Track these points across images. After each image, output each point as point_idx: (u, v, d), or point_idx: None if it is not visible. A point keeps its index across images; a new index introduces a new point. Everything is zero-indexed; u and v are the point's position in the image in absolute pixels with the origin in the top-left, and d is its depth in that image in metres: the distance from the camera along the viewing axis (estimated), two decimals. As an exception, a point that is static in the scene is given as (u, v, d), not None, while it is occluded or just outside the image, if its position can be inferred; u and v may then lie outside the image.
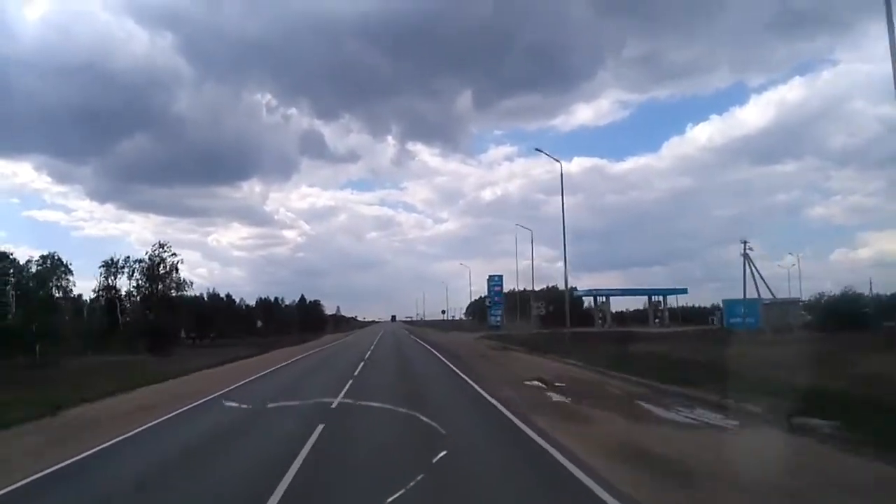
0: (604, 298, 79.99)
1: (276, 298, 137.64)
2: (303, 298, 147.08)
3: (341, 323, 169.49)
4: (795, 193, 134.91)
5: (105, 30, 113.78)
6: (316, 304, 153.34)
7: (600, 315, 79.29)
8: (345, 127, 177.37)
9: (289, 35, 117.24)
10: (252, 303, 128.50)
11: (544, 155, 39.41)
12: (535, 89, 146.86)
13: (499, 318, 79.56)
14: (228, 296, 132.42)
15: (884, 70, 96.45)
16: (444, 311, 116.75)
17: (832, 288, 60.01)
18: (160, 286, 72.15)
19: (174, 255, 72.95)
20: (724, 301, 61.11)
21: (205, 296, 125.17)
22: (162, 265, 72.12)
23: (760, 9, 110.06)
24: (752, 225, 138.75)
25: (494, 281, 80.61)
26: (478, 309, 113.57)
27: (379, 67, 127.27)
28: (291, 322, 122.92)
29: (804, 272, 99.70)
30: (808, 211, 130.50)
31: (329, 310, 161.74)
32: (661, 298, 79.09)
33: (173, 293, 74.16)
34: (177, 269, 72.74)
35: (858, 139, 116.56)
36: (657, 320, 77.46)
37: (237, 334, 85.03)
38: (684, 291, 79.24)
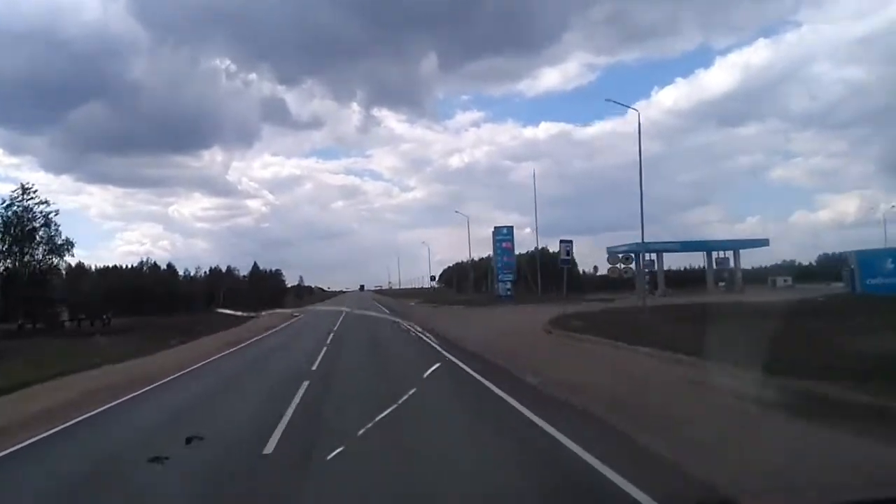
0: (650, 256, 59.63)
1: (228, 268, 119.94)
2: (256, 267, 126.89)
3: (304, 294, 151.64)
4: (758, 156, 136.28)
5: None
6: (274, 274, 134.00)
7: (647, 280, 59.07)
8: (308, 92, 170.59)
9: None
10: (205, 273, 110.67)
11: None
12: (500, 52, 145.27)
13: (509, 287, 58.84)
14: (170, 266, 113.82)
15: (846, 31, 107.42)
16: (433, 278, 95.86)
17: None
18: (26, 249, 49.63)
19: (46, 203, 50.18)
20: (856, 253, 41.32)
21: (144, 267, 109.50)
22: (29, 219, 49.57)
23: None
24: (716, 188, 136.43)
25: (502, 234, 59.46)
26: (455, 275, 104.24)
27: (343, 30, 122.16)
28: (241, 295, 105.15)
29: (762, 234, 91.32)
30: (770, 173, 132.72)
31: (293, 279, 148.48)
32: (727, 254, 58.71)
33: (52, 259, 51.94)
34: (50, 224, 50.13)
35: (820, 102, 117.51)
36: (721, 284, 57.64)
37: (162, 311, 65.60)
38: (765, 243, 58.91)
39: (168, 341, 25.69)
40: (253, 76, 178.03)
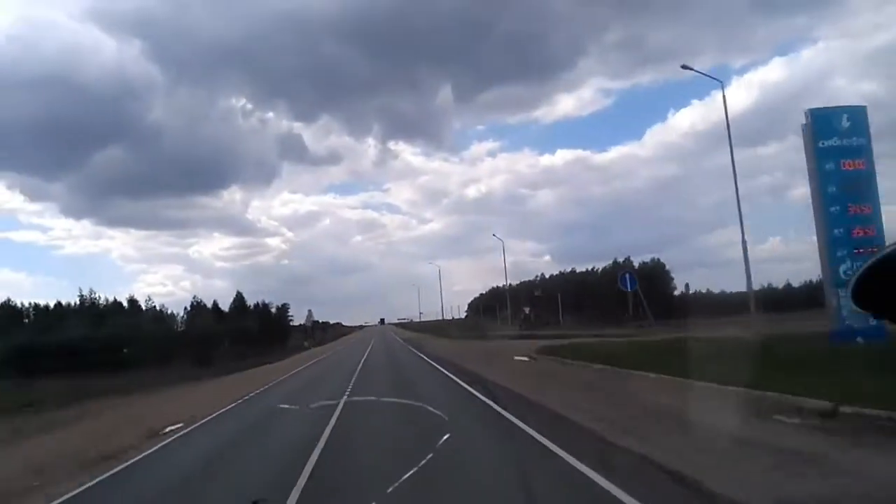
0: None
1: (214, 304, 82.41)
2: (239, 299, 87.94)
3: (316, 331, 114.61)
4: (778, 175, 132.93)
5: (71, 39, 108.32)
6: (268, 309, 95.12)
7: None
8: (324, 128, 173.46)
9: (261, 36, 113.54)
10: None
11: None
12: (515, 81, 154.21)
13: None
14: (134, 301, 77.28)
15: (862, 45, 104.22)
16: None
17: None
18: None
19: None
20: None
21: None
22: None
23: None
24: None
25: (838, 132, 17.99)
26: (483, 306, 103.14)
27: (356, 65, 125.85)
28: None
29: (785, 255, 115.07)
30: (791, 192, 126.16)
31: (300, 315, 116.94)
32: None
33: None
34: None
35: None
36: None
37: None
38: None
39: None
40: (270, 114, 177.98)
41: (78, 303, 70.55)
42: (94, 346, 54.47)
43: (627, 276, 22.66)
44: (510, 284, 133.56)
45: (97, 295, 71.10)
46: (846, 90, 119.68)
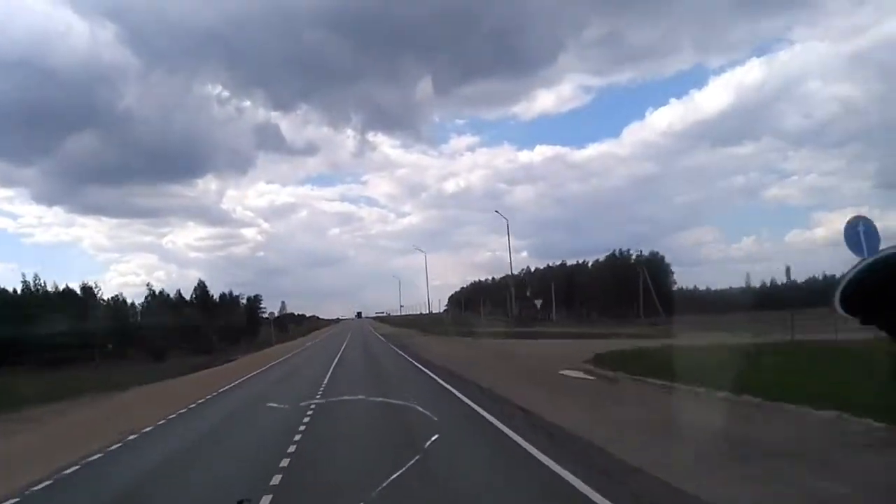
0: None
1: (178, 294, 78.00)
2: (201, 289, 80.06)
3: (289, 325, 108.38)
4: (753, 175, 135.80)
5: (42, 22, 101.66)
6: (237, 301, 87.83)
7: None
8: (302, 118, 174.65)
9: (240, 22, 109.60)
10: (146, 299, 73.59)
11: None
12: (495, 75, 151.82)
13: None
14: (88, 289, 66.75)
15: (839, 49, 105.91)
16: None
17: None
18: None
19: None
20: None
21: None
22: None
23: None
24: (711, 208, 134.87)
25: None
26: (465, 300, 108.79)
27: (336, 54, 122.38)
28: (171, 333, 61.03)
29: (758, 254, 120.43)
30: (765, 192, 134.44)
31: (289, 308, 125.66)
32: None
33: None
34: None
35: (814, 119, 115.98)
36: None
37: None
38: None
39: None
40: (246, 103, 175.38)
41: (20, 290, 61.12)
42: (25, 340, 45.94)
43: (862, 228, 10.15)
44: (493, 278, 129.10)
45: (42, 281, 61.53)
46: (820, 93, 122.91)
